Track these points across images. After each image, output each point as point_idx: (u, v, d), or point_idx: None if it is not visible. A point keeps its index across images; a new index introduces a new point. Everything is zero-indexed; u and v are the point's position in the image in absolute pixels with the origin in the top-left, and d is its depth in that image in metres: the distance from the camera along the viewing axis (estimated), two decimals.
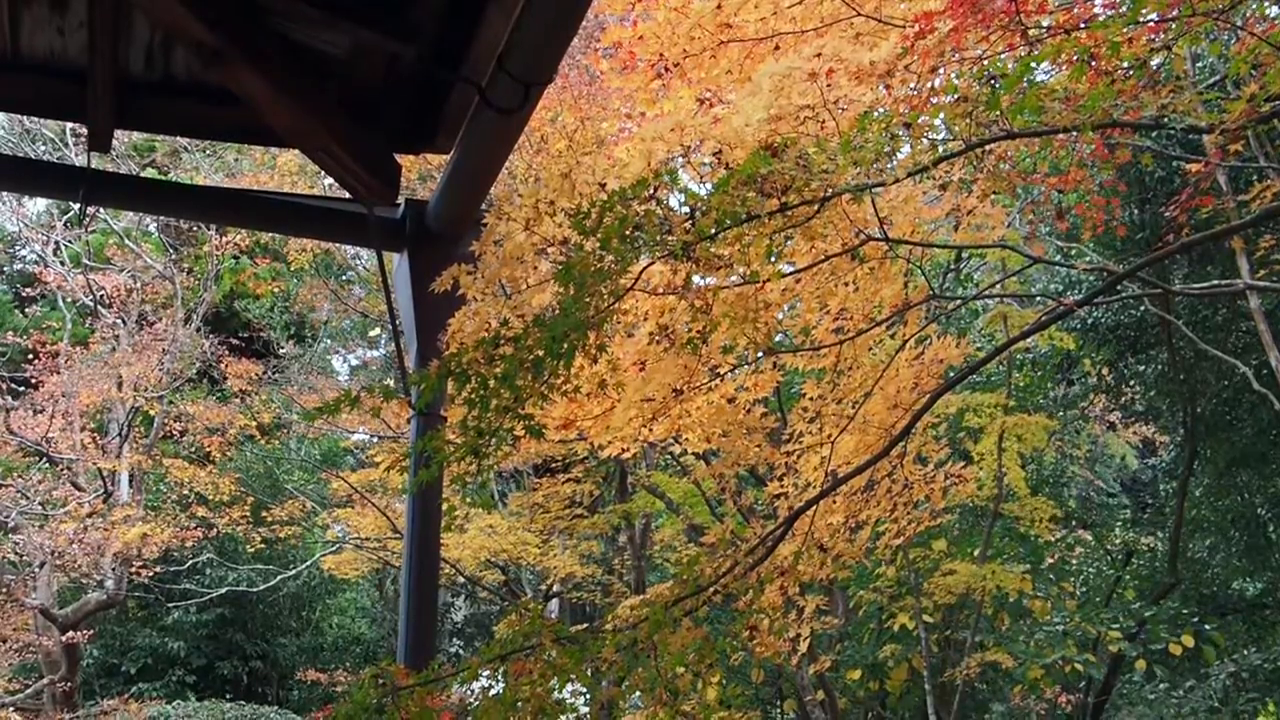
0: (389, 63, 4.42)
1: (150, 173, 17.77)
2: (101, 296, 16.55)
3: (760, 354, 5.31)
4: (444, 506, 4.68)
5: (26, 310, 20.37)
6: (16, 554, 15.15)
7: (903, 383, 5.26)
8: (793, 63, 4.04)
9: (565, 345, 3.16)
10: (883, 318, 5.00)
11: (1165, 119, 4.30)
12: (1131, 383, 13.65)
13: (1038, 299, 11.10)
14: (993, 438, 10.45)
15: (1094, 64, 4.00)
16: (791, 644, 6.43)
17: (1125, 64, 4.11)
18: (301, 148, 4.67)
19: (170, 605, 18.35)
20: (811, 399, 5.55)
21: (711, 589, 3.89)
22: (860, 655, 11.66)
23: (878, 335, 5.42)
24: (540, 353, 3.17)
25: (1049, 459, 13.92)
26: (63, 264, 16.86)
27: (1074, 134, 3.91)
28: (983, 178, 4.74)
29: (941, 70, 4.11)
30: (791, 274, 4.73)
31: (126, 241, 16.85)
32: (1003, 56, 4.04)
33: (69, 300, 17.21)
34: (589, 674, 3.68)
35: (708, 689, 3.92)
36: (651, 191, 3.46)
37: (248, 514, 17.32)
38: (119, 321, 16.95)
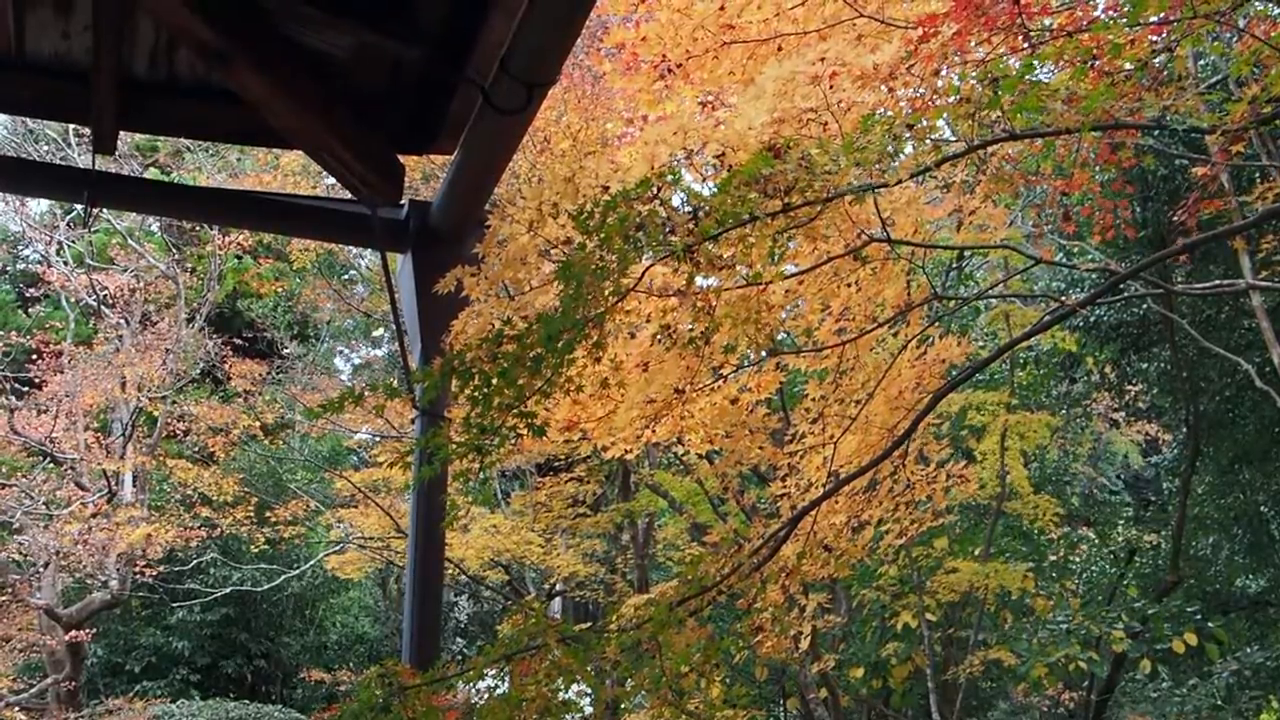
0: (392, 64, 4.44)
1: (153, 173, 17.81)
2: (105, 296, 16.56)
3: (763, 354, 5.33)
4: (443, 502, 4.69)
5: (30, 310, 20.40)
6: (21, 554, 15.18)
7: (905, 383, 5.26)
8: (796, 66, 4.05)
9: (563, 341, 3.17)
10: (885, 318, 5.01)
11: (1167, 120, 4.31)
12: (1134, 380, 13.66)
13: (1040, 298, 11.10)
14: (995, 436, 10.46)
15: (1096, 65, 4.01)
16: (793, 641, 6.44)
17: (1128, 65, 4.11)
18: (305, 148, 4.68)
19: (174, 605, 18.37)
20: (814, 399, 5.55)
21: (715, 589, 3.90)
22: (863, 653, 11.66)
23: (880, 335, 5.43)
24: (540, 350, 3.18)
25: (1051, 457, 13.92)
26: (66, 264, 16.88)
27: (1077, 135, 3.92)
28: (986, 179, 4.75)
29: (944, 72, 4.12)
30: (794, 275, 4.74)
31: (129, 241, 16.87)
32: (1005, 58, 4.04)
33: (72, 300, 17.24)
34: (593, 673, 3.70)
35: (711, 687, 3.93)
36: (654, 191, 3.47)
37: (251, 514, 17.32)
38: (122, 321, 16.96)
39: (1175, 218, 6.37)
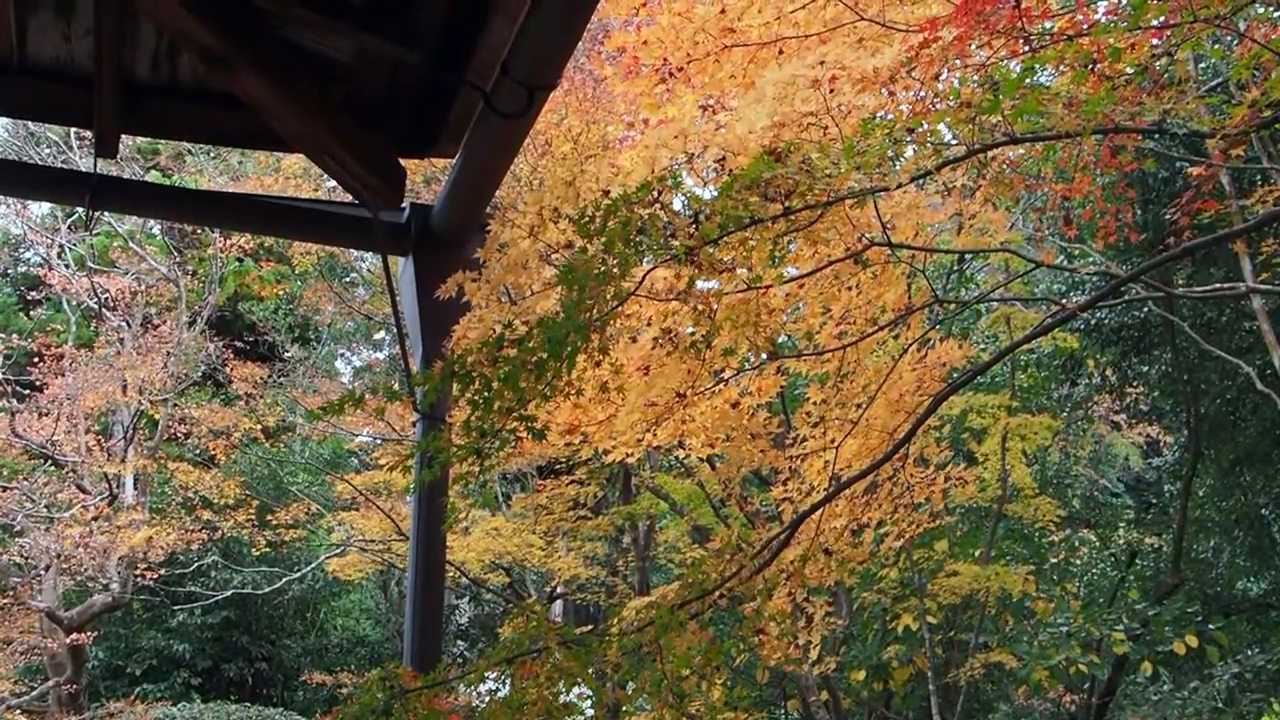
0: (393, 67, 4.44)
1: (154, 175, 17.82)
2: (106, 299, 16.58)
3: (764, 358, 5.33)
4: (444, 505, 4.70)
5: (31, 313, 20.42)
6: (22, 556, 15.19)
7: (905, 386, 5.27)
8: (796, 69, 4.05)
9: (567, 346, 3.17)
10: (886, 321, 5.01)
11: (1168, 124, 4.31)
12: (1135, 383, 13.65)
13: (1041, 301, 11.10)
14: (996, 438, 10.47)
15: (1096, 69, 4.01)
16: (801, 651, 6.43)
17: (1128, 69, 4.12)
18: (306, 152, 4.69)
19: (175, 607, 18.39)
20: (815, 403, 5.56)
21: (717, 592, 3.90)
22: (864, 656, 11.66)
23: (881, 339, 5.43)
24: (543, 354, 3.19)
25: (1052, 459, 13.93)
26: (67, 266, 16.90)
27: (1077, 139, 3.92)
28: (986, 183, 4.75)
29: (945, 75, 4.12)
30: (795, 278, 4.74)
31: (131, 244, 16.89)
32: (1006, 62, 4.05)
33: (73, 303, 17.26)
34: (594, 676, 3.70)
35: (713, 690, 3.94)
36: (655, 195, 3.48)
37: (253, 516, 17.34)
38: (123, 324, 16.99)
39: (1169, 216, 6.38)
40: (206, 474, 17.13)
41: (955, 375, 5.87)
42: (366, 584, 20.52)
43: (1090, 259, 10.86)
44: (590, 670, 3.62)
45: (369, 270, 18.25)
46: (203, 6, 3.77)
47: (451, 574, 14.12)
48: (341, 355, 24.53)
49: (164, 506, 17.21)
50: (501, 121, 4.11)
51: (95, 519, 14.85)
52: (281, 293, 19.66)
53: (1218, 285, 9.45)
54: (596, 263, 3.28)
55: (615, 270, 3.26)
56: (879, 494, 5.54)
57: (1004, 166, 4.96)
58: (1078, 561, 14.07)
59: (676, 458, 12.00)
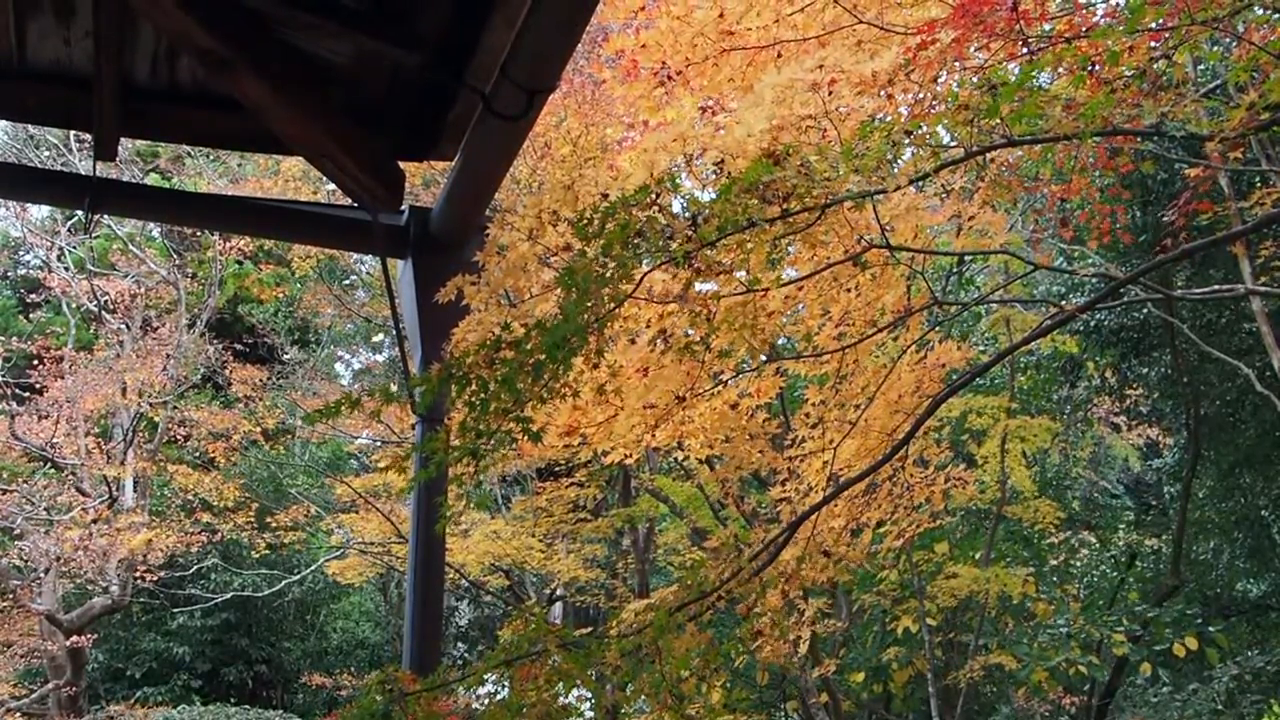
0: (393, 70, 4.44)
1: (154, 178, 17.84)
2: (106, 301, 16.60)
3: (763, 359, 5.33)
4: (441, 506, 4.69)
5: (31, 315, 20.43)
6: (22, 559, 15.20)
7: (904, 387, 5.27)
8: (794, 73, 4.05)
9: (565, 349, 3.17)
10: (885, 323, 5.01)
11: (1165, 126, 4.32)
12: (1135, 385, 13.66)
13: (1040, 303, 11.11)
14: (996, 440, 10.47)
15: (1094, 72, 4.02)
16: (791, 645, 6.43)
17: (1127, 71, 4.12)
18: (306, 155, 4.70)
19: (175, 610, 18.40)
20: (814, 404, 5.56)
21: (716, 594, 3.90)
22: (864, 658, 11.67)
23: (880, 340, 5.43)
24: (541, 356, 3.19)
25: (1052, 461, 13.93)
26: (67, 269, 16.92)
27: (1075, 141, 3.93)
28: (985, 185, 4.75)
29: (943, 77, 4.13)
30: (794, 281, 4.75)
31: (130, 247, 16.90)
32: (1004, 65, 4.05)
33: (73, 305, 17.27)
34: (594, 678, 3.70)
35: (712, 692, 3.94)
36: (654, 198, 3.48)
37: (252, 519, 17.35)
38: (123, 326, 17.01)
39: (1165, 218, 6.40)
40: (206, 476, 17.14)
41: (954, 377, 5.88)
42: (366, 586, 20.52)
43: (1089, 261, 10.87)
44: (589, 672, 3.62)
45: (368, 273, 18.25)
46: (202, 9, 3.77)
47: (451, 576, 14.13)
48: (341, 358, 24.56)
49: (164, 509, 17.22)
50: (501, 124, 4.11)
51: (95, 521, 14.86)
52: (281, 295, 19.68)
53: (1217, 287, 9.45)
54: (595, 265, 3.28)
55: (614, 273, 3.26)
56: (878, 495, 5.54)
57: (1002, 169, 4.97)
58: (1077, 563, 14.08)
59: (676, 459, 12.01)
